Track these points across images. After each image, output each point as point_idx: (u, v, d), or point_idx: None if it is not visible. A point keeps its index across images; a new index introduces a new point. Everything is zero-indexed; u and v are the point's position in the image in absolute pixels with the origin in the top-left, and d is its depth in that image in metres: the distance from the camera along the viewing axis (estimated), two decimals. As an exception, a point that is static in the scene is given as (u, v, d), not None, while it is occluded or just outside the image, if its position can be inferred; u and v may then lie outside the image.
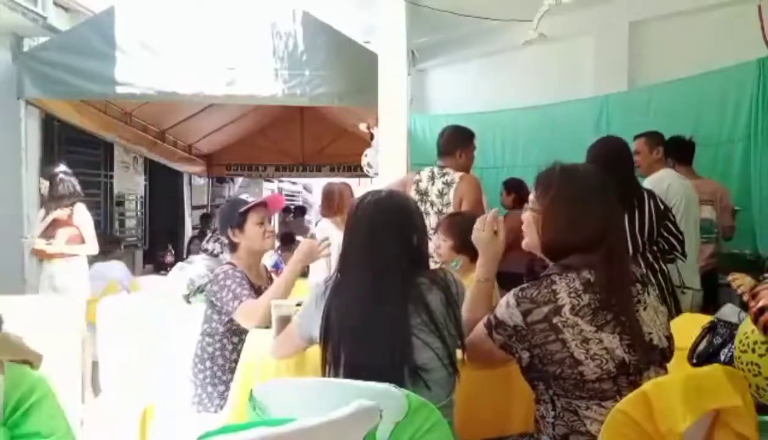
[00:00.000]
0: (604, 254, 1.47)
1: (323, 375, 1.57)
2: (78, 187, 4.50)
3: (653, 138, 3.49)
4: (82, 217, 4.35)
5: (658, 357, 1.47)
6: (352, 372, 1.46)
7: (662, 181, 3.33)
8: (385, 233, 1.59)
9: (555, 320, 1.42)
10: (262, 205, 2.52)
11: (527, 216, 1.61)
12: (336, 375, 1.52)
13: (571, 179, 1.55)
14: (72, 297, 3.95)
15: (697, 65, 4.34)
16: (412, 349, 1.49)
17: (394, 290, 1.54)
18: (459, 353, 1.60)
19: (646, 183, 3.37)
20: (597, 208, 1.51)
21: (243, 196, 2.69)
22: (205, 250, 5.42)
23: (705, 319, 1.95)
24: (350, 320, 1.53)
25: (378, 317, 1.51)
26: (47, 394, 1.27)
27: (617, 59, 5.15)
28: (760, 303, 1.45)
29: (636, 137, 3.51)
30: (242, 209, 2.46)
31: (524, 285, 1.51)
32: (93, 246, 4.33)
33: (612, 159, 2.80)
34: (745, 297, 1.63)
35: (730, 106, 4.17)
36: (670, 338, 1.51)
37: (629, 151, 2.99)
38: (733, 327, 1.81)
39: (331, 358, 1.54)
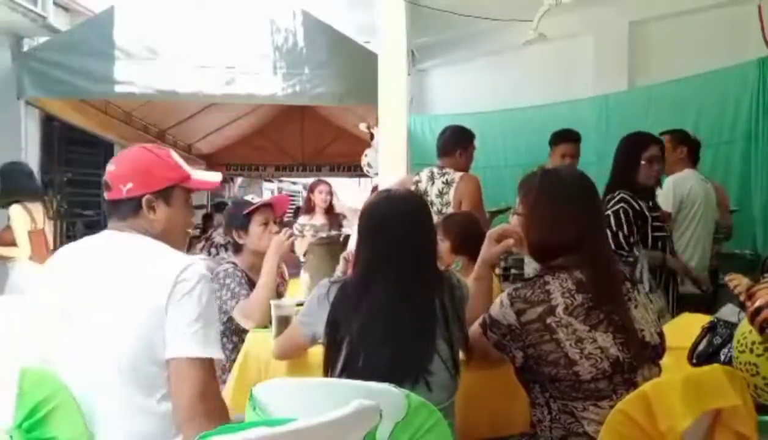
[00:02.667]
0: (590, 254, 1.49)
1: (325, 374, 1.55)
2: (22, 184, 4.08)
3: (677, 136, 3.46)
4: (14, 219, 4.00)
5: (651, 354, 1.48)
6: (357, 372, 1.45)
7: (685, 181, 3.33)
8: (407, 232, 1.55)
9: (549, 320, 1.43)
10: (267, 206, 2.53)
11: (514, 220, 1.65)
12: (340, 374, 1.50)
13: (551, 181, 1.59)
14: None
15: (697, 65, 4.34)
16: (421, 351, 1.47)
17: (416, 290, 1.52)
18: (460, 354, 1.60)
19: (668, 181, 3.37)
20: (577, 209, 1.53)
21: (248, 197, 2.68)
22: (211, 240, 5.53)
23: (705, 319, 1.95)
24: (362, 319, 1.50)
25: (392, 317, 1.49)
26: (67, 400, 1.27)
27: (617, 59, 5.15)
28: (757, 304, 1.45)
29: (660, 134, 3.50)
30: (246, 210, 2.46)
31: (518, 284, 1.53)
32: (23, 250, 3.98)
33: None
34: (742, 298, 1.63)
35: (730, 106, 4.16)
36: (661, 335, 1.52)
37: None
38: (732, 327, 1.81)
39: (337, 357, 1.51)
